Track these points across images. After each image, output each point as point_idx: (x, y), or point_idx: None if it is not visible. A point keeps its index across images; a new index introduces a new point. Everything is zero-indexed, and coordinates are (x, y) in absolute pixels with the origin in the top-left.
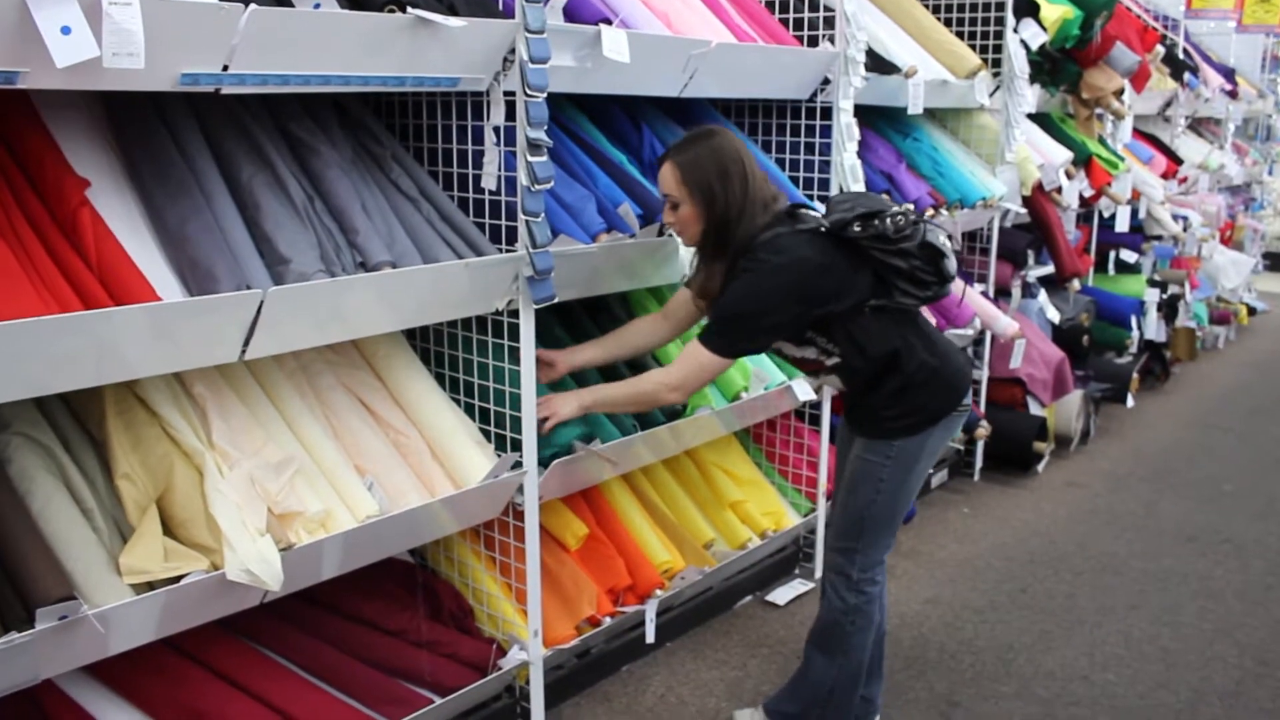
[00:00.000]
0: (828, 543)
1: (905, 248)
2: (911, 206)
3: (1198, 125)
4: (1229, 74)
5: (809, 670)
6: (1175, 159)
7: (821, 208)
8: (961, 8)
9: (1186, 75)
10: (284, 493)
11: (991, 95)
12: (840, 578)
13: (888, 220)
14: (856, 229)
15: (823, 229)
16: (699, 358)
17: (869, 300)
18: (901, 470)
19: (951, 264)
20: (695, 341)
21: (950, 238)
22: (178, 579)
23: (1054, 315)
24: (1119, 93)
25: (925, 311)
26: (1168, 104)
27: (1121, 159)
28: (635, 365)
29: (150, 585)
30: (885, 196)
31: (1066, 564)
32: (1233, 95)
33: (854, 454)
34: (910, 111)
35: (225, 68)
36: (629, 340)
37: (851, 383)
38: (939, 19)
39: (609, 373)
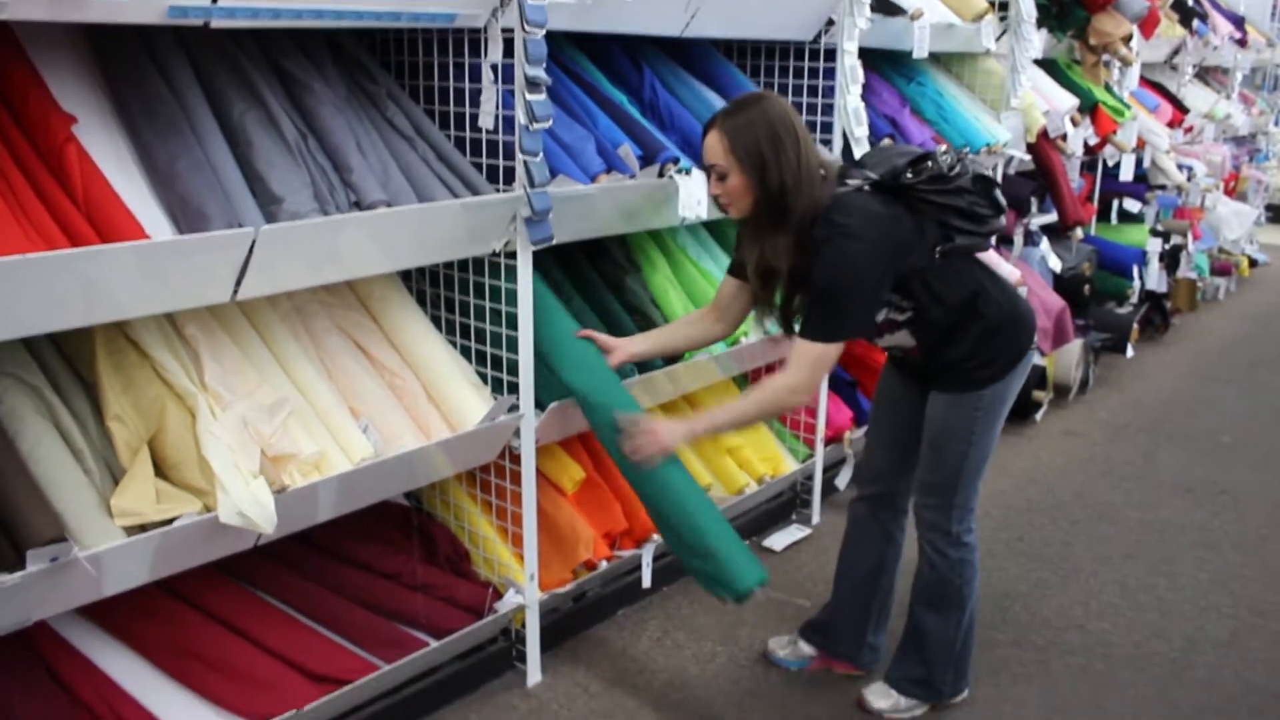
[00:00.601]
0: (917, 500)
1: (960, 184)
2: (945, 146)
3: (1205, 74)
4: (1238, 22)
5: (926, 632)
6: (1181, 108)
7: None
8: None
9: (1195, 22)
10: (277, 435)
11: (998, 40)
12: (939, 534)
13: (940, 160)
14: (910, 176)
15: (875, 183)
16: (813, 353)
17: (938, 245)
18: (991, 418)
19: (1001, 195)
20: (800, 340)
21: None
22: (170, 521)
23: (1056, 264)
24: (1127, 39)
25: None
26: (1175, 51)
27: (1128, 107)
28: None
29: (143, 528)
30: (909, 147)
31: (1064, 513)
32: (1241, 44)
33: (937, 411)
34: (915, 55)
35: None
36: (682, 334)
37: (927, 337)
38: None
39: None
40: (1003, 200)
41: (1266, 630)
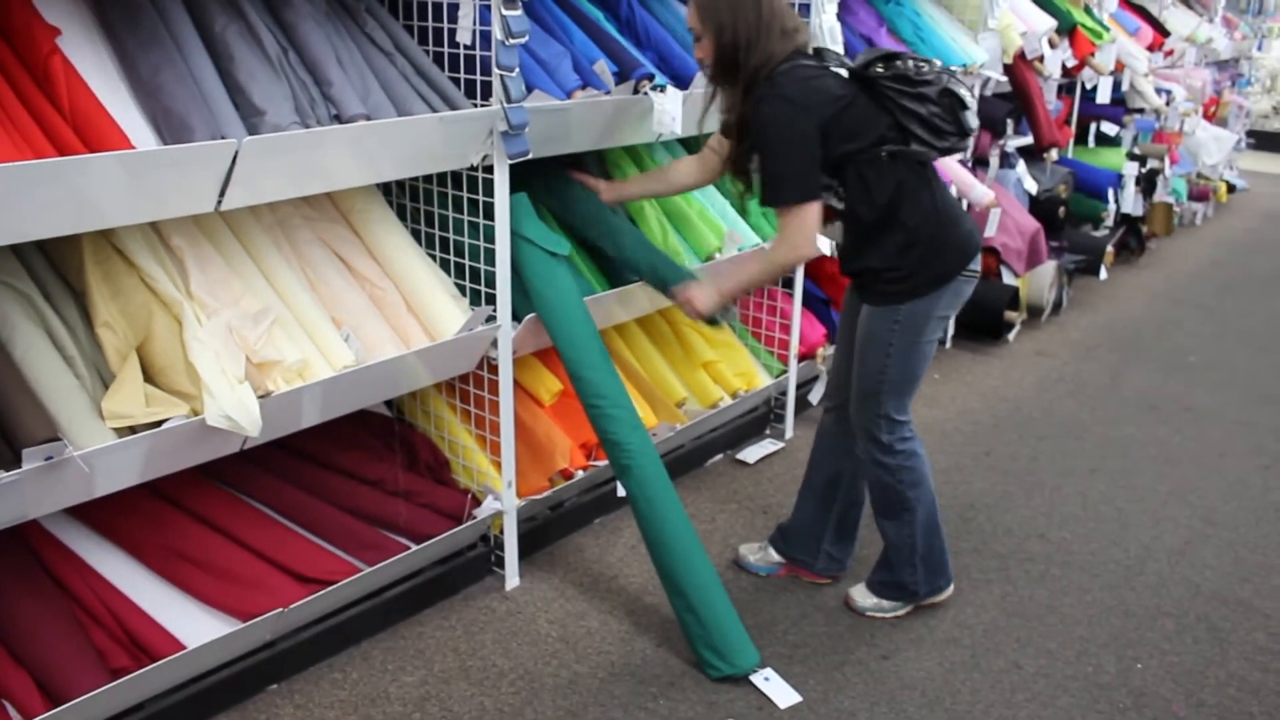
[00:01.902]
0: (851, 411)
1: (925, 92)
2: (940, 61)
3: None
4: None
5: (887, 538)
6: (1163, 31)
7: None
8: None
9: None
10: (262, 342)
11: None
12: (872, 443)
13: (910, 61)
14: (879, 69)
15: (847, 68)
16: (787, 218)
17: (885, 145)
18: (910, 334)
19: (972, 118)
20: (778, 214)
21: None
22: (159, 424)
23: (1031, 186)
24: None
25: None
26: None
27: (1107, 29)
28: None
29: (132, 430)
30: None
31: (1031, 429)
32: None
33: (862, 321)
34: None
35: None
36: (672, 179)
37: (855, 231)
38: None
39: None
40: (969, 122)
41: (1217, 539)
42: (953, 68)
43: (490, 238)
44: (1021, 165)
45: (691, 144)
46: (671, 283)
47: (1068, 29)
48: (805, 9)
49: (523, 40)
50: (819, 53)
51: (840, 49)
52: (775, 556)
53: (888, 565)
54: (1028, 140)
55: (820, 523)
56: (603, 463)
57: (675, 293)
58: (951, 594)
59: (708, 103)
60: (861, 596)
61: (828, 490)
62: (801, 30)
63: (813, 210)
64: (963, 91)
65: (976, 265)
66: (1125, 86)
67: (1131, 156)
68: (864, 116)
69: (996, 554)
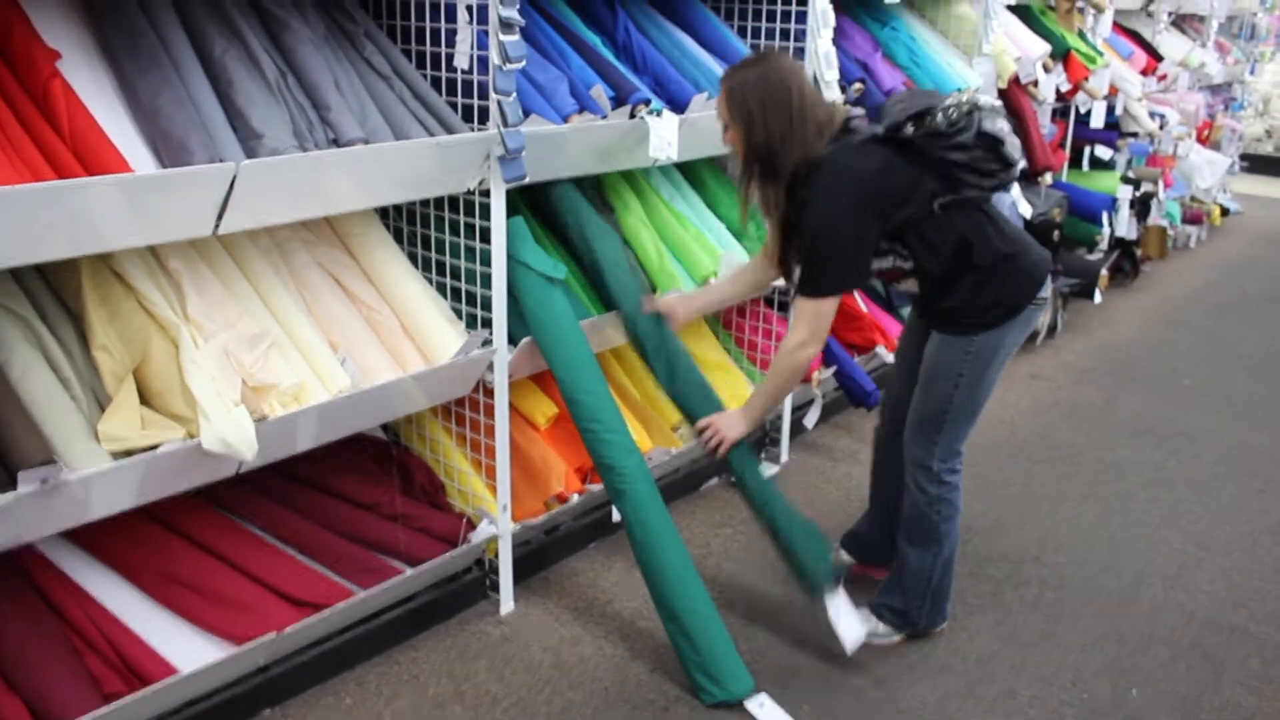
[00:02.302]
0: (906, 434)
1: (962, 140)
2: (965, 96)
3: (1181, 21)
4: None
5: (906, 563)
6: (1156, 56)
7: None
8: None
9: None
10: (258, 365)
11: None
12: (920, 470)
13: (939, 116)
14: (910, 130)
15: (878, 136)
16: (809, 309)
17: (937, 198)
18: (981, 365)
19: (1013, 149)
20: (799, 298)
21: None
22: (155, 447)
23: (1026, 209)
24: None
25: None
26: None
27: (1100, 54)
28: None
29: (128, 453)
30: (936, 91)
31: (1025, 453)
32: None
33: (931, 349)
34: (888, 0)
35: None
36: (742, 279)
37: (929, 284)
38: None
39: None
40: (1012, 156)
41: (1211, 564)
42: (980, 99)
43: (487, 261)
44: (1016, 189)
45: (688, 169)
46: (699, 415)
47: (1062, 54)
48: (801, 34)
49: (520, 65)
50: (846, 127)
51: (835, 75)
52: (846, 559)
53: (901, 590)
54: (1022, 164)
55: (889, 528)
56: (598, 487)
57: (702, 428)
58: (945, 626)
59: (744, 187)
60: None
61: (897, 497)
62: (835, 117)
63: (834, 307)
64: (998, 126)
65: (1045, 292)
66: (1119, 111)
67: (1126, 180)
68: (908, 179)
69: (991, 579)
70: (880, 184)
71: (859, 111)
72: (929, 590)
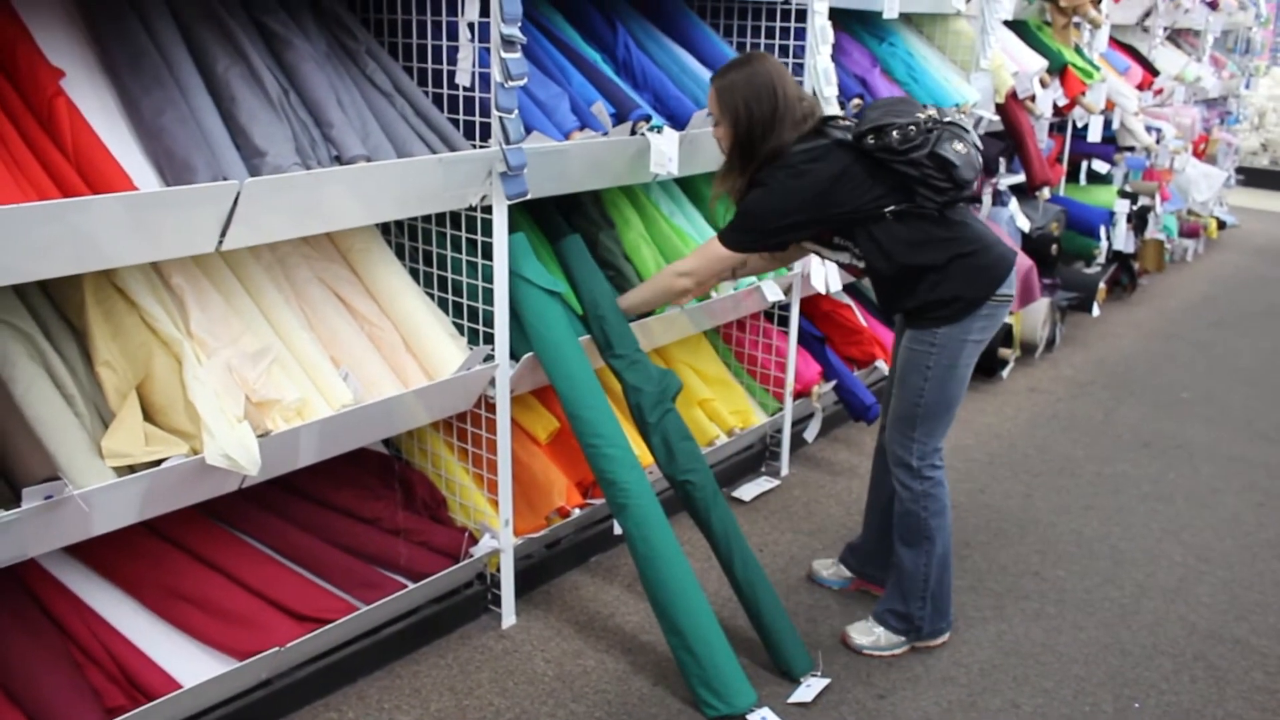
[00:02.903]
0: (885, 433)
1: (914, 158)
2: (935, 113)
3: (1176, 36)
4: None
5: (902, 566)
6: (1152, 70)
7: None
8: None
9: None
10: (261, 381)
11: (968, 1)
12: (901, 468)
13: (894, 133)
14: (870, 141)
15: (844, 141)
16: (713, 249)
17: (889, 205)
18: (947, 359)
19: (963, 172)
20: (714, 236)
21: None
22: (158, 463)
23: (1024, 223)
24: (1097, 1)
25: None
26: (1147, 14)
27: (1097, 68)
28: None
29: (131, 469)
30: (915, 102)
31: (1025, 466)
32: (1213, 6)
33: (901, 346)
34: (886, 15)
35: None
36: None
37: (883, 284)
38: None
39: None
40: (964, 178)
41: (1213, 577)
42: (950, 119)
43: (488, 277)
44: (1014, 203)
45: (687, 184)
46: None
47: (1059, 69)
48: (800, 50)
49: (521, 82)
50: (825, 122)
51: (834, 90)
52: (847, 572)
53: (900, 595)
54: (1020, 178)
55: (887, 538)
56: (599, 501)
57: None
58: (948, 637)
59: (721, 179)
60: (860, 634)
61: (890, 508)
62: (812, 114)
63: (730, 260)
64: (953, 149)
65: (1009, 289)
66: (1116, 125)
67: (1123, 194)
68: (861, 186)
69: (992, 592)
70: (829, 188)
71: (849, 115)
72: (927, 591)
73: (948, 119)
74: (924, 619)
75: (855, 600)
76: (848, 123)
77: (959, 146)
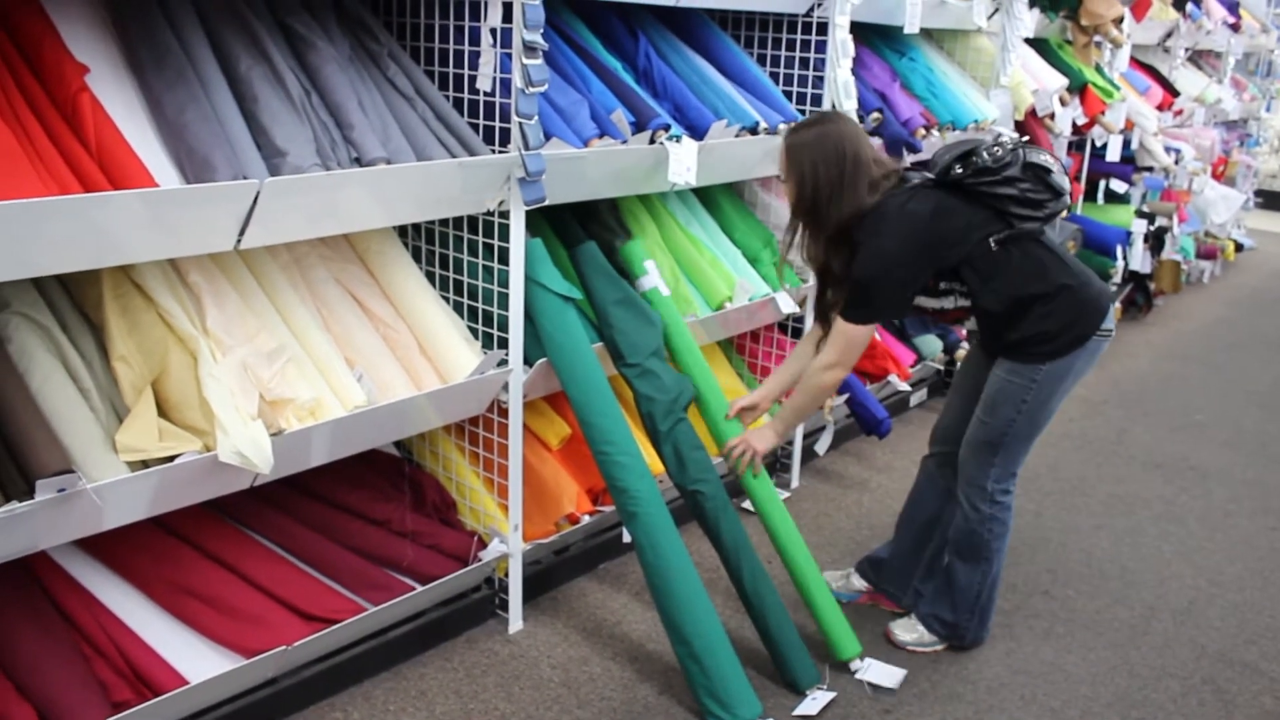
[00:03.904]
0: (962, 454)
1: (1009, 175)
2: (1006, 136)
3: (1198, 58)
4: (1233, 6)
5: (955, 579)
6: (1172, 91)
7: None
8: None
9: (1189, 6)
10: (275, 380)
11: (990, 18)
12: (975, 489)
13: (984, 154)
14: (959, 170)
15: (929, 181)
16: (846, 333)
17: (992, 232)
18: (1045, 393)
19: (1060, 179)
20: (838, 321)
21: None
22: (171, 459)
23: None
24: (1118, 20)
25: None
26: (1168, 35)
27: (1117, 88)
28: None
29: (145, 464)
30: (976, 138)
31: (1036, 485)
32: (1235, 28)
33: (996, 375)
34: (907, 30)
35: None
36: (810, 354)
37: (989, 320)
38: None
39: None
40: (1061, 184)
41: (1223, 600)
42: (1013, 139)
43: (504, 282)
44: None
45: (705, 194)
46: (724, 437)
47: (1078, 87)
48: (821, 64)
49: (542, 89)
50: (903, 176)
51: (854, 104)
52: (859, 584)
53: (949, 605)
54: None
55: (915, 560)
56: (609, 508)
57: (732, 446)
58: (943, 654)
59: (789, 236)
60: (905, 630)
61: (926, 530)
62: (893, 173)
63: (867, 336)
64: (1042, 159)
65: (1110, 323)
66: (1135, 145)
67: (1140, 214)
68: (960, 220)
69: (1001, 610)
70: (932, 228)
71: (915, 177)
72: (977, 606)
73: (1023, 140)
74: (969, 629)
75: (864, 613)
76: (915, 172)
77: (1046, 155)
